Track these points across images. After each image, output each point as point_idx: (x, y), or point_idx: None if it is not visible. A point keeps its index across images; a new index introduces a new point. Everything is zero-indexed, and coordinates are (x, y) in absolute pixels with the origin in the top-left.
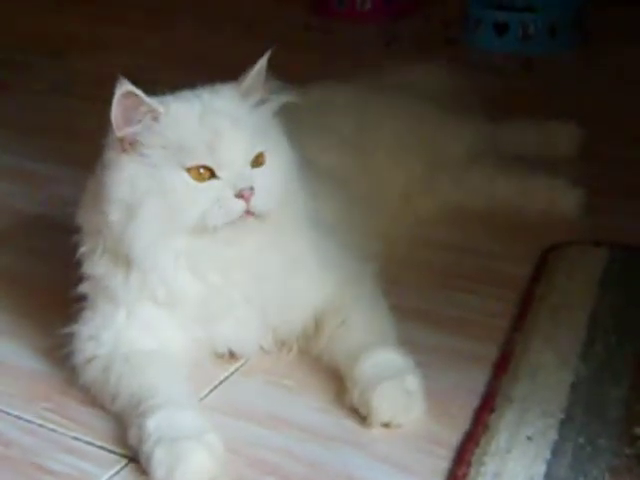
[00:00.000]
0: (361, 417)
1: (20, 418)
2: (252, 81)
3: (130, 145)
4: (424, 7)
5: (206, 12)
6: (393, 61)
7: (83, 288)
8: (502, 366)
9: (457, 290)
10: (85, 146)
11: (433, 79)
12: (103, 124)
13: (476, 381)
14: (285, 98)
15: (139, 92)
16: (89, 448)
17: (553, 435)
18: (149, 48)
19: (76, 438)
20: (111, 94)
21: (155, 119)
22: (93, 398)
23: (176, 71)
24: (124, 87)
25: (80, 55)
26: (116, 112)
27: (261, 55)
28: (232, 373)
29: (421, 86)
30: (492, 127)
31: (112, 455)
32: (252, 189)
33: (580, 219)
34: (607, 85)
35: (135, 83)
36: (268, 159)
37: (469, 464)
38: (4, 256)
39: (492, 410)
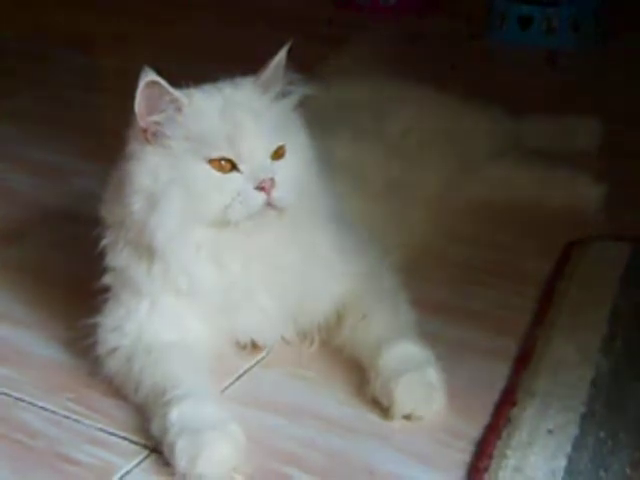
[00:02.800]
0: (382, 409)
1: (44, 409)
2: (271, 74)
3: (153, 136)
4: (448, 2)
5: (227, 5)
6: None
7: (106, 280)
8: (523, 360)
9: (478, 284)
10: (106, 139)
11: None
12: (124, 117)
13: (497, 375)
14: (305, 91)
15: (163, 82)
16: (112, 438)
17: (574, 429)
18: (169, 42)
19: (99, 429)
20: (132, 87)
21: (178, 110)
22: (116, 389)
23: (197, 64)
24: (149, 77)
25: (101, 49)
26: (140, 101)
27: (280, 48)
28: (254, 365)
29: None
30: (514, 121)
31: (135, 445)
32: (272, 181)
33: (602, 214)
34: (629, 80)
35: (158, 74)
36: (288, 152)
37: (491, 457)
38: (28, 248)
39: (514, 404)
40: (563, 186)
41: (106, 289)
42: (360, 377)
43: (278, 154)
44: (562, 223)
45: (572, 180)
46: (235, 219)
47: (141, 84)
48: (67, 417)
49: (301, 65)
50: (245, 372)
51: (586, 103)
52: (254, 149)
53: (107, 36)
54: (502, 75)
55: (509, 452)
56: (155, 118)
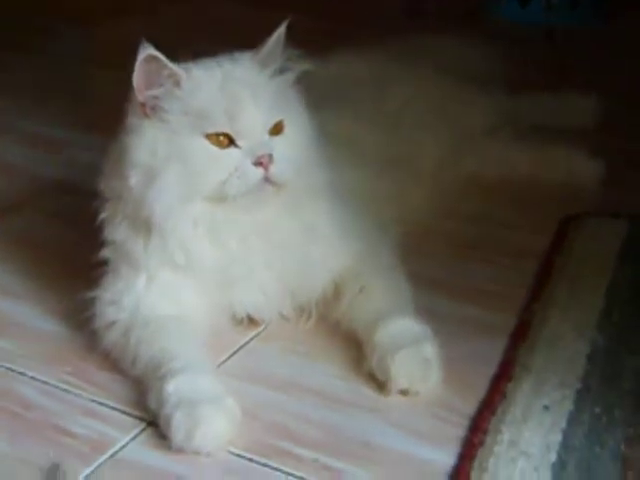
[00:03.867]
0: (378, 384)
1: (41, 381)
2: (270, 50)
3: (151, 110)
4: None
5: None
6: (416, 31)
7: (104, 253)
8: (519, 336)
9: (476, 260)
10: (104, 112)
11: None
12: (122, 90)
13: (493, 350)
14: (304, 67)
15: (161, 56)
16: (109, 411)
17: (569, 405)
18: (168, 15)
19: (96, 401)
20: (131, 61)
21: (177, 84)
22: (113, 362)
23: (195, 39)
24: (147, 51)
25: (99, 21)
26: (138, 75)
27: (279, 23)
28: (251, 339)
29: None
30: (512, 98)
31: (131, 418)
32: (271, 157)
33: (599, 190)
34: (628, 58)
35: (157, 48)
36: (287, 128)
37: (485, 432)
38: (24, 221)
39: (509, 379)
40: (560, 162)
41: (104, 262)
42: (357, 352)
43: (276, 130)
44: (559, 199)
45: (569, 156)
46: (233, 194)
47: (139, 58)
48: (64, 390)
49: (299, 40)
50: (242, 347)
51: (584, 81)
52: (252, 124)
53: (107, 9)
54: (500, 50)
55: (504, 427)
56: (153, 92)
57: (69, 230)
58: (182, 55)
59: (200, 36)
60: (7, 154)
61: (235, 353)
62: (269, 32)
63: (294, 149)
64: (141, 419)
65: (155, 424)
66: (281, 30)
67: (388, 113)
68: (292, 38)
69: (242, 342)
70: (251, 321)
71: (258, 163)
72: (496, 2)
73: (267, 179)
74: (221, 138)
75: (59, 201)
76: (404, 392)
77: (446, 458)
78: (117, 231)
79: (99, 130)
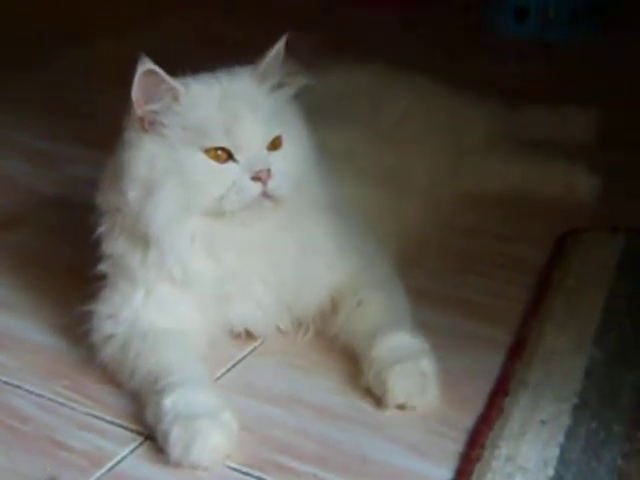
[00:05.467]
0: (376, 398)
1: (39, 395)
2: (269, 64)
3: (150, 124)
4: None
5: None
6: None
7: (102, 267)
8: (517, 350)
9: (473, 274)
10: (103, 126)
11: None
12: (122, 105)
13: (491, 365)
14: (302, 81)
15: (160, 71)
16: (106, 425)
17: (567, 420)
18: (168, 30)
19: (93, 415)
20: (129, 75)
21: (175, 99)
22: (110, 376)
23: (195, 53)
24: (146, 65)
25: (100, 36)
26: (137, 90)
27: (278, 38)
28: (248, 353)
29: None
30: (510, 112)
31: (129, 432)
32: (269, 171)
33: (597, 204)
34: (626, 71)
35: (156, 63)
36: (285, 142)
37: (483, 447)
38: (23, 235)
39: (506, 394)
40: (558, 176)
41: (102, 276)
42: (354, 366)
43: (275, 145)
44: (557, 213)
45: (567, 170)
46: (231, 209)
47: (138, 72)
48: (61, 403)
49: (297, 54)
50: (239, 361)
51: (583, 94)
52: (251, 139)
53: (106, 22)
54: (498, 66)
55: (501, 442)
56: (152, 107)
57: (67, 244)
58: (181, 70)
59: (202, 48)
60: (6, 168)
61: (233, 367)
62: (270, 45)
63: (292, 164)
64: (139, 433)
65: (153, 438)
66: (280, 45)
67: (385, 127)
68: (291, 53)
69: (239, 356)
70: (248, 335)
71: (256, 178)
72: (493, 17)
73: (265, 194)
74: (219, 153)
75: (57, 215)
76: (401, 407)
77: (444, 473)
78: (115, 245)
79: (98, 145)
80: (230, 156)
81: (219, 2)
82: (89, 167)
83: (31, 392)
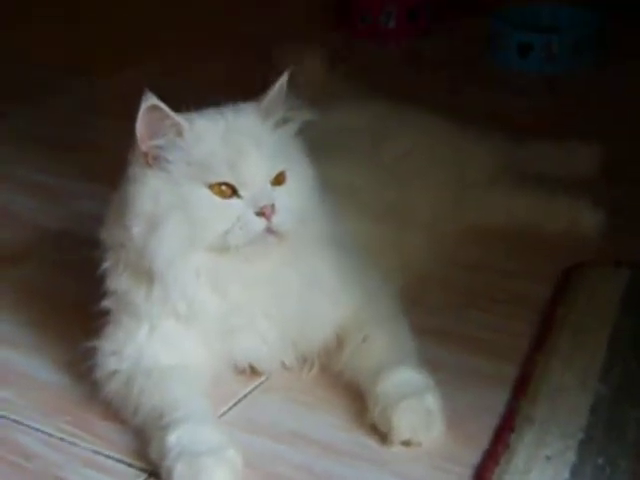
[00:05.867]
0: (381, 435)
1: (42, 431)
2: (272, 100)
3: (154, 160)
4: (448, 25)
5: (223, 31)
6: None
7: (106, 303)
8: (522, 386)
9: (478, 309)
10: (108, 162)
11: None
12: (126, 139)
13: (496, 401)
14: (306, 117)
15: (164, 106)
16: (110, 462)
17: (572, 456)
18: (169, 66)
19: (97, 452)
20: (132, 109)
21: (179, 134)
22: (114, 412)
23: (200, 91)
24: (150, 101)
25: (101, 71)
26: (141, 125)
27: (281, 74)
28: (253, 389)
29: None
30: (513, 146)
31: (133, 469)
32: (273, 207)
33: (601, 239)
34: (630, 105)
35: (160, 99)
36: (289, 178)
37: None
38: (27, 270)
39: (512, 430)
40: (562, 211)
41: (106, 312)
42: (359, 402)
43: (279, 180)
44: (561, 248)
45: (571, 205)
46: (235, 244)
47: (142, 108)
48: (65, 440)
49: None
50: (244, 397)
51: (586, 128)
52: (255, 175)
53: (106, 57)
54: (502, 99)
55: (507, 477)
56: (156, 142)
57: (71, 279)
58: (185, 106)
59: (207, 84)
60: (9, 203)
61: (237, 403)
62: (272, 80)
63: (296, 199)
64: (142, 470)
65: (157, 475)
66: (283, 80)
67: (388, 162)
68: (294, 87)
69: (244, 392)
70: (253, 371)
71: (260, 213)
72: (497, 52)
73: (269, 229)
74: (224, 188)
75: (61, 250)
76: (407, 443)
77: None
78: (119, 281)
79: (104, 181)
80: (234, 191)
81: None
82: (93, 202)
83: (35, 429)
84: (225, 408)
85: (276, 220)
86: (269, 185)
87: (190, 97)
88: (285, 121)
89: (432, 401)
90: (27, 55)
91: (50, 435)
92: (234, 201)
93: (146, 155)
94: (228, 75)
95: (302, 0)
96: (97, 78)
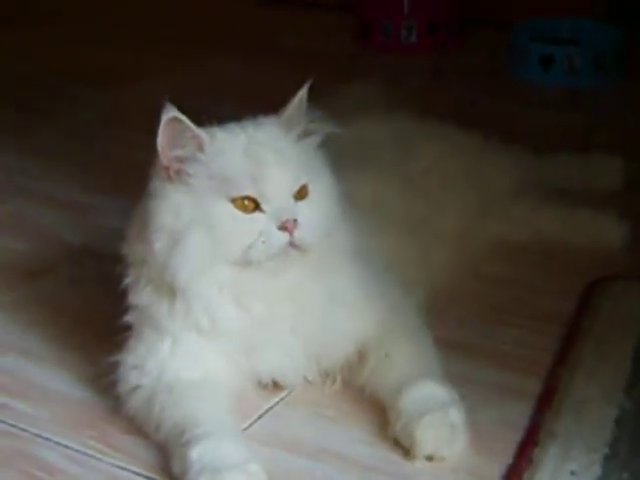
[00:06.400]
0: (404, 449)
1: (65, 446)
2: (293, 112)
3: (176, 174)
4: (469, 39)
5: (246, 44)
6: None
7: (128, 318)
8: (546, 400)
9: (502, 323)
10: (130, 176)
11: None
12: (145, 154)
13: (519, 415)
14: (328, 129)
15: (185, 118)
16: (133, 477)
17: (597, 470)
18: (192, 80)
19: (121, 467)
20: (151, 123)
21: (200, 148)
22: (137, 427)
23: (221, 103)
24: (170, 113)
25: (119, 84)
26: (162, 138)
27: (298, 84)
28: (276, 404)
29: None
30: (537, 160)
31: None
32: (295, 221)
33: (626, 253)
34: None
35: (180, 111)
36: (312, 191)
37: None
38: (50, 285)
39: (536, 444)
40: (586, 225)
41: (128, 327)
42: (382, 417)
43: (301, 194)
44: (585, 262)
45: (595, 218)
46: (258, 259)
47: (163, 120)
48: (88, 455)
49: (323, 102)
50: (266, 411)
51: (609, 141)
52: (277, 189)
53: (125, 71)
54: (524, 113)
55: None
56: (177, 153)
57: (93, 295)
58: (207, 119)
59: (229, 97)
60: (31, 217)
61: (260, 418)
62: (285, 94)
63: (319, 213)
64: None
65: None
66: (303, 92)
67: (413, 175)
68: (317, 100)
69: (267, 407)
70: (276, 385)
71: (283, 228)
72: (519, 65)
73: (292, 244)
74: (246, 202)
75: (85, 266)
76: (430, 458)
77: None
78: (141, 295)
79: (126, 195)
80: (257, 206)
81: (246, 52)
82: (116, 217)
83: (59, 443)
84: (248, 423)
85: (299, 234)
86: (292, 199)
87: (211, 111)
88: (307, 134)
89: (456, 415)
90: (45, 69)
91: (73, 450)
92: (256, 215)
93: (167, 169)
94: (247, 88)
95: (324, 15)
96: (115, 90)
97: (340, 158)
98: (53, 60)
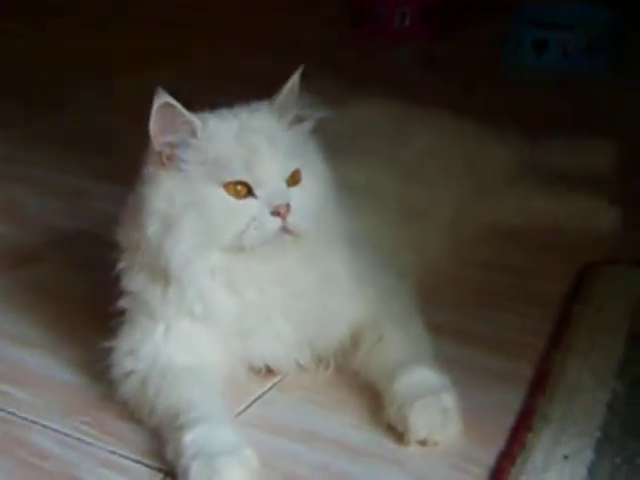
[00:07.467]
0: (397, 434)
1: (58, 431)
2: (285, 98)
3: (168, 160)
4: (463, 25)
5: (242, 32)
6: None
7: (122, 303)
8: (539, 385)
9: (494, 308)
10: (126, 162)
11: None
12: (140, 140)
13: (512, 400)
14: (321, 115)
15: (177, 104)
16: (126, 462)
17: (590, 454)
18: (192, 67)
19: (113, 452)
20: (148, 110)
21: (193, 133)
22: (130, 412)
23: (219, 89)
24: (162, 98)
25: (117, 71)
26: (154, 123)
27: (294, 71)
28: (269, 389)
29: None
30: (529, 144)
31: (149, 469)
32: (288, 206)
33: (618, 237)
34: None
35: (176, 97)
36: (304, 177)
37: None
38: (44, 270)
39: (529, 429)
40: (579, 209)
41: (122, 312)
42: (375, 402)
43: (294, 179)
44: (578, 246)
45: (587, 203)
46: (250, 244)
47: (155, 106)
48: (81, 440)
49: (316, 88)
50: (260, 397)
51: (602, 126)
52: (270, 174)
53: (123, 59)
54: (517, 98)
55: (524, 478)
56: (168, 139)
57: (87, 280)
58: (200, 105)
59: (217, 83)
60: (26, 203)
61: (253, 403)
62: (285, 78)
63: (311, 198)
64: (159, 470)
65: (173, 475)
66: (295, 78)
67: (406, 161)
68: (309, 86)
69: (260, 392)
70: (269, 371)
71: (276, 213)
72: (512, 49)
73: (285, 229)
74: (239, 188)
75: (78, 251)
76: (423, 442)
77: None
78: (135, 281)
79: (121, 181)
80: (249, 191)
81: (242, 40)
82: (111, 203)
83: (52, 429)
84: (241, 408)
85: (291, 220)
86: (284, 184)
87: (206, 99)
88: (299, 119)
89: (448, 400)
90: (44, 57)
91: (66, 435)
92: (249, 201)
93: (160, 155)
94: (247, 78)
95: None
96: (114, 80)
97: (334, 144)
98: (51, 47)
